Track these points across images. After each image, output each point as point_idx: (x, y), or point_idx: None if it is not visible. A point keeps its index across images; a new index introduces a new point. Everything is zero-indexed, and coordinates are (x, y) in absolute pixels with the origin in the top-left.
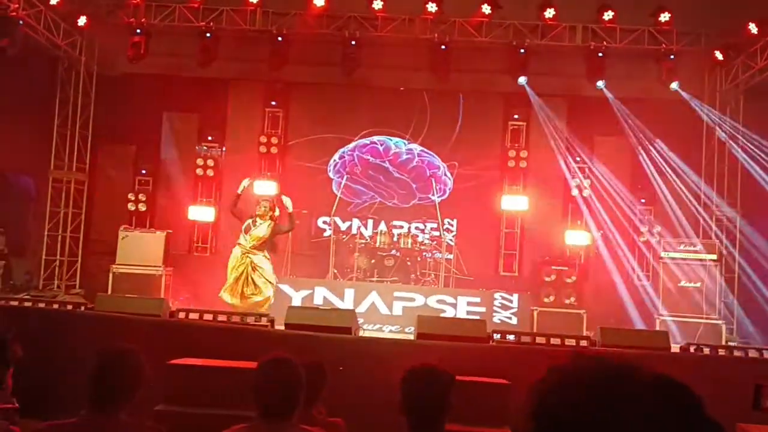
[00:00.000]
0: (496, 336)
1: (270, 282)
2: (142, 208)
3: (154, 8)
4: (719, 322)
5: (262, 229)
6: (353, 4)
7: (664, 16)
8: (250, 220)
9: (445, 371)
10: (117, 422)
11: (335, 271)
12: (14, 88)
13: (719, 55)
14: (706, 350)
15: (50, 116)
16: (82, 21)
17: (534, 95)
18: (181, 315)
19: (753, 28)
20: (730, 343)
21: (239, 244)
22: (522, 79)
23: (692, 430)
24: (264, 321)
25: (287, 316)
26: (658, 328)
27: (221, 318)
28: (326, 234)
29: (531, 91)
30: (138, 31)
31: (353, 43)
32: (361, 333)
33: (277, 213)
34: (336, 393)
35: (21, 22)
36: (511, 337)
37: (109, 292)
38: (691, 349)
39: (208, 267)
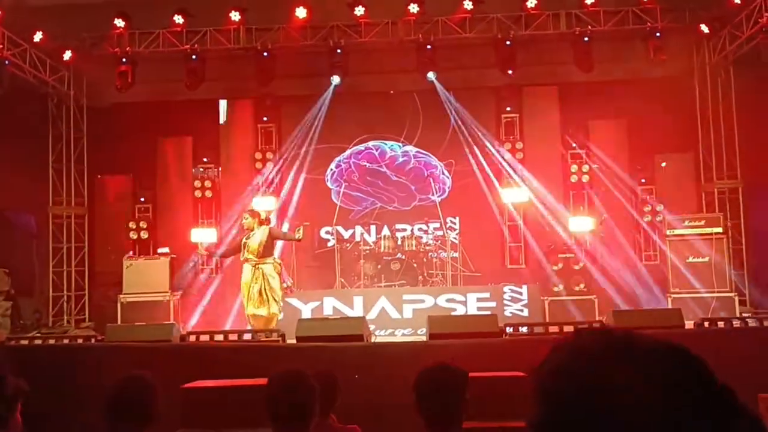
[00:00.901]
0: (509, 329)
1: (275, 300)
2: (144, 235)
3: (137, 36)
4: (731, 294)
5: (257, 236)
6: (335, 13)
7: None
8: (244, 239)
9: (458, 368)
10: None
11: (342, 280)
12: (6, 128)
13: (705, 29)
14: (721, 324)
15: (45, 153)
16: (67, 55)
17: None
18: (192, 338)
19: None
20: (744, 315)
21: (247, 259)
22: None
23: (700, 394)
24: (275, 336)
25: (298, 329)
26: (670, 306)
27: (232, 337)
28: (330, 244)
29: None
30: (124, 60)
31: (339, 51)
32: (373, 339)
33: (267, 217)
34: (352, 400)
35: (7, 62)
36: (524, 329)
37: (119, 321)
38: (706, 324)
39: (215, 288)
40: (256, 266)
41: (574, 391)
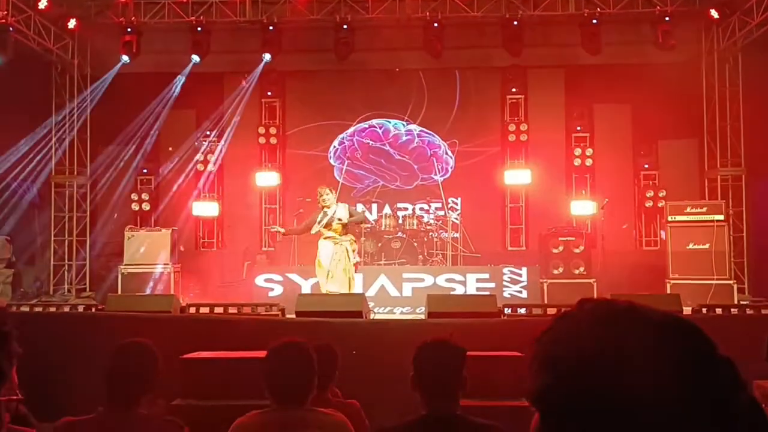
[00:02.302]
0: (507, 310)
1: (352, 278)
2: (146, 207)
3: (143, 6)
4: (730, 282)
5: (338, 213)
6: None
7: None
8: (320, 215)
9: (457, 344)
10: (135, 417)
11: None
12: (9, 96)
13: (715, 14)
14: (719, 310)
15: (48, 121)
16: (72, 24)
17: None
18: (192, 310)
19: None
20: (742, 302)
21: (328, 237)
22: None
23: (702, 364)
24: (275, 310)
25: (298, 304)
26: (669, 292)
27: (232, 310)
28: None
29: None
30: (129, 30)
31: (345, 27)
32: (372, 316)
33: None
34: (350, 376)
35: (11, 28)
36: (522, 311)
37: (119, 292)
38: (704, 311)
39: (216, 262)
40: (339, 243)
41: (576, 357)
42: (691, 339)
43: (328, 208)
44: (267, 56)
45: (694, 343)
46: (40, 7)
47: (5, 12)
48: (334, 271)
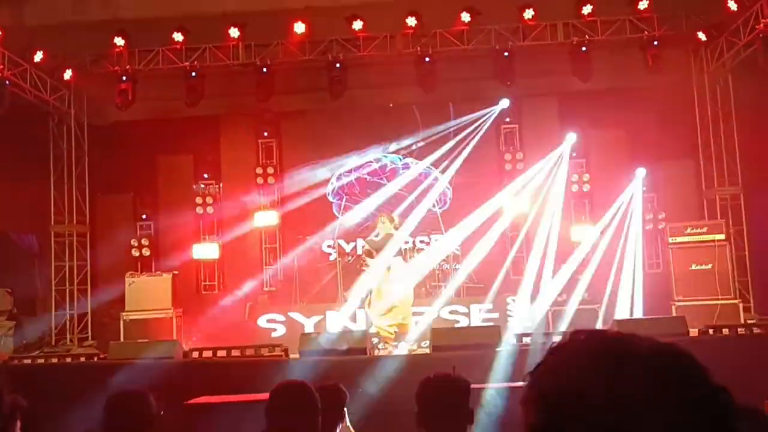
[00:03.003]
0: (512, 340)
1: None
2: (146, 252)
3: (137, 54)
4: (735, 301)
5: (393, 241)
6: (333, 28)
7: (643, 4)
8: (372, 236)
9: (461, 377)
10: None
11: (345, 294)
12: (7, 149)
13: (702, 36)
14: (726, 331)
15: (46, 172)
16: (67, 75)
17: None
18: (195, 354)
19: (732, 5)
20: (749, 321)
21: (373, 262)
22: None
23: (694, 395)
24: (278, 351)
25: (300, 344)
26: (674, 314)
27: (235, 353)
28: (332, 258)
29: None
30: (124, 78)
31: (338, 66)
32: (376, 352)
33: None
34: (356, 413)
35: (7, 82)
36: (527, 340)
37: (121, 339)
38: (710, 332)
39: (217, 304)
40: (389, 269)
41: (568, 394)
42: (685, 370)
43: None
44: None
45: (688, 374)
46: (36, 60)
47: (1, 66)
48: (382, 297)
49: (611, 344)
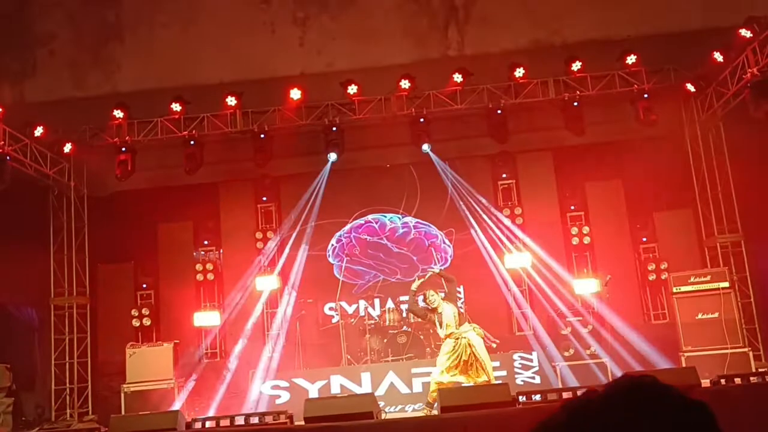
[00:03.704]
0: (522, 398)
1: (483, 368)
2: (147, 322)
3: (136, 125)
4: (745, 349)
5: (448, 309)
6: (329, 92)
7: (631, 59)
8: (433, 316)
9: None
10: None
11: (348, 356)
12: (7, 222)
13: (691, 87)
14: (738, 380)
15: (46, 244)
16: (67, 148)
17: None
18: (198, 425)
19: (718, 56)
20: (761, 370)
21: (449, 335)
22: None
23: None
24: (282, 418)
25: (306, 410)
26: (684, 365)
27: (239, 421)
28: (334, 320)
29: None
30: (123, 149)
31: (334, 129)
32: (383, 416)
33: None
34: None
35: (8, 158)
36: (537, 397)
37: (122, 412)
38: (722, 382)
39: (220, 372)
40: (459, 338)
41: None
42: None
43: (435, 304)
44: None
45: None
46: (36, 135)
47: (2, 142)
48: (454, 362)
49: (618, 401)
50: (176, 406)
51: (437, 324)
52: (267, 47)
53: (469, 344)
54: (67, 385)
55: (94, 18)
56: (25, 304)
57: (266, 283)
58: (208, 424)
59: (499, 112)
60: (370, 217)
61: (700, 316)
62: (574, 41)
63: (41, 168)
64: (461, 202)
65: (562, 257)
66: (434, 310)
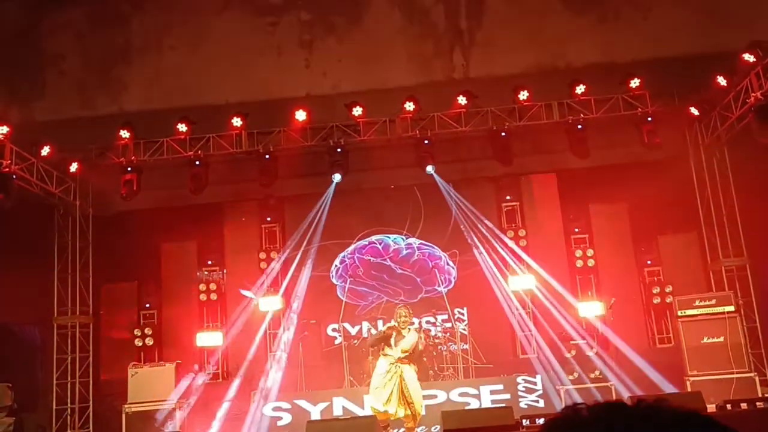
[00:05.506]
0: (525, 422)
1: (410, 403)
2: (150, 342)
3: (142, 145)
4: (751, 374)
5: (411, 338)
6: (334, 114)
7: (635, 82)
8: (393, 333)
9: None
10: None
11: (351, 378)
12: (12, 240)
13: (695, 111)
14: (744, 405)
15: (50, 263)
16: (73, 167)
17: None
18: None
19: (721, 80)
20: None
21: (385, 355)
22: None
23: None
24: None
25: None
26: (689, 389)
27: None
28: (337, 342)
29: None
30: (129, 169)
31: (339, 150)
32: None
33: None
34: None
35: (14, 176)
36: (541, 421)
37: None
38: (728, 407)
39: (222, 392)
40: (394, 365)
41: None
42: None
43: (403, 326)
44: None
45: None
46: (42, 154)
47: (9, 161)
48: (385, 390)
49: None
50: (177, 426)
51: (392, 342)
52: (273, 69)
53: (401, 377)
54: (69, 404)
55: (103, 40)
56: (28, 322)
57: (269, 304)
58: None
59: (503, 134)
60: (373, 238)
61: (705, 340)
62: (578, 65)
63: (47, 187)
64: (465, 224)
65: (566, 280)
66: (398, 329)
